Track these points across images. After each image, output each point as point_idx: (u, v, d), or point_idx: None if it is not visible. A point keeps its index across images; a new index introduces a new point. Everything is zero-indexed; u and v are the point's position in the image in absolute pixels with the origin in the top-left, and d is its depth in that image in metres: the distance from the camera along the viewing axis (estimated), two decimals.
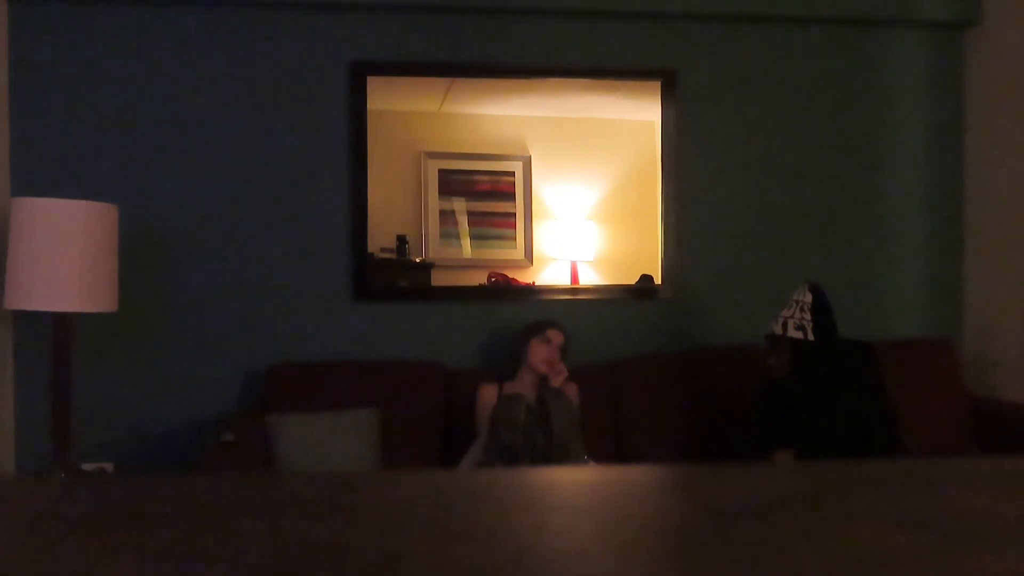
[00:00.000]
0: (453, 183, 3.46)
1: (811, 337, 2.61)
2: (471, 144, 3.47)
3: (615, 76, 3.46)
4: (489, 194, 3.49)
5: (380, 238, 3.37)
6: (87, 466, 3.12)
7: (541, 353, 3.01)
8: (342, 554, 0.42)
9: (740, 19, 3.49)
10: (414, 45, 3.35)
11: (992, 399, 3.37)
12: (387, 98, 3.36)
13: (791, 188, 3.56)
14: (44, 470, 3.08)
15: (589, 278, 3.52)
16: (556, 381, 2.95)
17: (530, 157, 3.48)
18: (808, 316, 2.62)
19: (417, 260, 3.43)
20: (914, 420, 3.04)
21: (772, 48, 3.55)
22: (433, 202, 3.45)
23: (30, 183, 3.15)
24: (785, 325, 2.64)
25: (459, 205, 3.47)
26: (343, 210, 3.32)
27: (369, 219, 3.32)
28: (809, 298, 2.65)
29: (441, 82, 3.41)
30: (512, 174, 3.49)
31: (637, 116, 3.54)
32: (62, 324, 2.76)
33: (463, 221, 3.47)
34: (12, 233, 2.67)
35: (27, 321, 3.14)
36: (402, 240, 3.42)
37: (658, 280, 3.50)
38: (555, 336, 3.04)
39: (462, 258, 3.47)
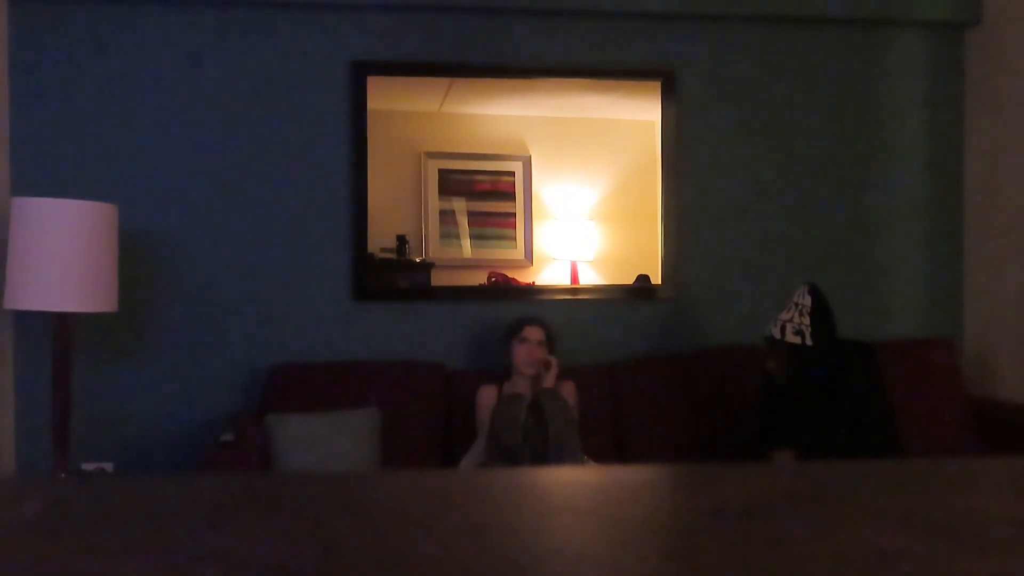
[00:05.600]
0: (453, 183, 3.46)
1: (808, 342, 2.59)
2: (471, 144, 3.46)
3: (615, 76, 3.46)
4: (489, 194, 3.49)
5: (380, 238, 3.37)
6: (87, 466, 3.12)
7: (522, 354, 2.99)
8: (342, 554, 0.42)
9: (740, 19, 3.49)
10: (414, 45, 3.35)
11: (992, 399, 3.37)
12: (387, 98, 3.36)
13: (791, 188, 3.56)
14: (44, 470, 3.08)
15: (589, 278, 3.52)
16: (549, 380, 2.92)
17: (530, 157, 3.48)
18: (807, 320, 2.61)
19: (417, 260, 3.43)
20: (914, 420, 3.04)
21: (772, 48, 3.55)
22: (433, 202, 3.45)
23: (30, 183, 3.15)
24: (783, 329, 2.62)
25: (459, 205, 3.47)
26: (343, 210, 3.32)
27: (369, 219, 3.31)
28: (808, 301, 2.64)
29: (441, 82, 3.41)
30: (512, 174, 3.49)
31: (637, 116, 3.54)
32: (62, 324, 2.76)
33: (463, 221, 3.47)
34: (12, 233, 2.67)
35: (27, 321, 3.14)
36: (402, 240, 3.42)
37: (655, 280, 3.50)
38: (532, 333, 3.02)
39: (462, 258, 3.47)
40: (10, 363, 3.15)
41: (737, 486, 0.56)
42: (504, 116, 3.48)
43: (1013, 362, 3.38)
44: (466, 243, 3.47)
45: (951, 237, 3.65)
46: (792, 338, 2.60)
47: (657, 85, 3.48)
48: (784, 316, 2.65)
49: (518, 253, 3.50)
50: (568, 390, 3.00)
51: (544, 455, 2.73)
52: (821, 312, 2.64)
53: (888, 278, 3.61)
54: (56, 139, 3.18)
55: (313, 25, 3.31)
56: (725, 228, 3.52)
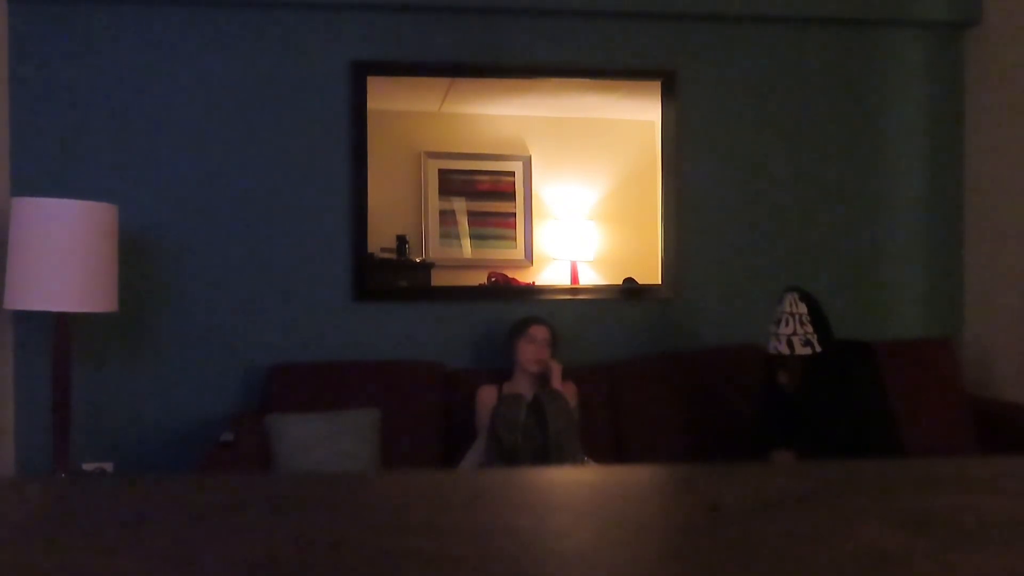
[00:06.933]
0: (453, 183, 3.46)
1: (819, 349, 2.58)
2: (471, 144, 3.46)
3: (615, 76, 3.46)
4: (489, 194, 3.49)
5: (380, 238, 3.37)
6: (87, 466, 3.12)
7: (528, 353, 3.02)
8: (342, 554, 0.42)
9: (740, 19, 3.49)
10: (414, 45, 3.35)
11: (992, 399, 3.37)
12: (387, 98, 3.36)
13: (791, 188, 3.56)
14: (44, 470, 3.08)
15: (589, 278, 3.52)
16: (555, 382, 2.95)
17: (530, 157, 3.48)
18: (810, 328, 2.59)
19: (417, 260, 3.43)
20: (914, 420, 3.04)
21: (772, 48, 3.55)
22: (433, 202, 3.45)
23: (30, 183, 3.15)
24: (791, 343, 2.58)
25: (459, 205, 3.47)
26: (343, 210, 3.32)
27: (369, 219, 3.32)
28: (804, 308, 2.60)
29: (441, 82, 3.41)
30: (512, 174, 3.49)
31: (637, 116, 3.54)
32: (62, 324, 2.76)
33: (463, 221, 3.47)
34: (12, 233, 2.67)
35: (27, 321, 3.14)
36: (402, 240, 3.42)
37: (641, 281, 3.50)
38: (539, 332, 3.05)
39: (462, 258, 3.47)
40: (10, 363, 3.15)
41: (737, 486, 0.56)
42: (504, 116, 3.48)
43: (1013, 362, 3.38)
44: (466, 243, 3.47)
45: (951, 237, 3.65)
46: (803, 350, 2.57)
47: (657, 85, 3.48)
48: (785, 330, 2.59)
49: (518, 253, 3.50)
50: (569, 391, 3.00)
51: (544, 455, 2.73)
52: (818, 316, 2.63)
53: (888, 278, 3.61)
54: (56, 139, 3.18)
55: (313, 25, 3.31)
56: (725, 228, 3.52)
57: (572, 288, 3.50)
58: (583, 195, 3.53)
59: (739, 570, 0.40)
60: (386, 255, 3.39)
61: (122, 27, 3.22)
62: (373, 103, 3.32)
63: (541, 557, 0.42)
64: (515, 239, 3.49)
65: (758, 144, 3.54)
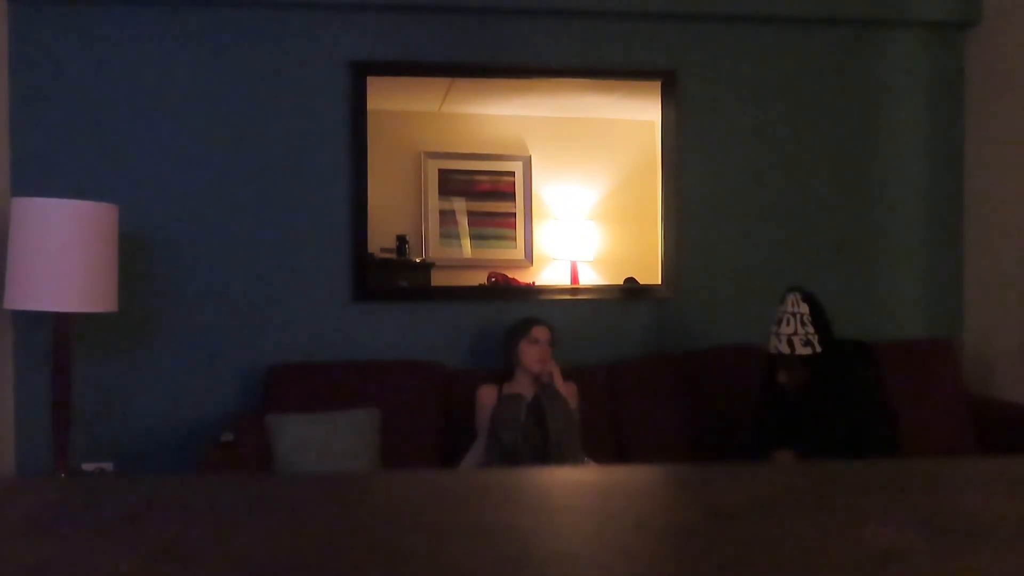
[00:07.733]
0: (453, 183, 3.46)
1: (819, 350, 2.58)
2: (471, 144, 3.46)
3: (615, 76, 3.46)
4: (489, 194, 3.49)
5: (380, 238, 3.37)
6: (87, 466, 3.12)
7: (533, 354, 3.00)
8: (342, 554, 0.42)
9: (740, 19, 3.49)
10: (414, 45, 3.35)
11: (992, 399, 3.37)
12: (387, 98, 3.36)
13: (791, 188, 3.56)
14: (44, 470, 3.08)
15: (589, 278, 3.52)
16: (558, 382, 2.95)
17: (530, 157, 3.48)
18: (811, 329, 2.59)
19: (417, 260, 3.43)
20: (914, 420, 3.04)
21: (772, 48, 3.55)
22: (433, 202, 3.45)
23: (30, 183, 3.15)
24: (791, 343, 2.58)
25: (459, 205, 3.47)
26: (343, 210, 3.32)
27: (369, 219, 3.32)
28: (806, 309, 2.61)
29: (441, 82, 3.41)
30: (512, 174, 3.49)
31: (637, 116, 3.54)
32: (62, 324, 2.76)
33: (463, 221, 3.47)
34: (12, 233, 2.67)
35: (27, 321, 3.14)
36: (402, 240, 3.42)
37: (643, 280, 3.50)
38: (542, 334, 3.03)
39: (462, 258, 3.47)
40: (10, 363, 3.15)
41: (737, 486, 0.56)
42: (504, 116, 3.48)
43: (1013, 362, 3.38)
44: (466, 243, 3.47)
45: (951, 237, 3.65)
46: (803, 350, 2.58)
47: (657, 85, 3.48)
48: (786, 330, 2.60)
49: (518, 253, 3.50)
50: (569, 391, 3.00)
51: (544, 455, 2.73)
52: (819, 316, 2.63)
53: (888, 278, 3.61)
54: (56, 139, 3.19)
55: (313, 25, 3.31)
56: (725, 228, 3.52)
57: (572, 288, 3.50)
58: (583, 195, 3.53)
59: (739, 570, 0.40)
60: (386, 255, 3.39)
61: (122, 27, 3.22)
62: (373, 103, 3.32)
63: (541, 557, 0.42)
64: (515, 239, 3.50)
65: (758, 144, 3.54)
